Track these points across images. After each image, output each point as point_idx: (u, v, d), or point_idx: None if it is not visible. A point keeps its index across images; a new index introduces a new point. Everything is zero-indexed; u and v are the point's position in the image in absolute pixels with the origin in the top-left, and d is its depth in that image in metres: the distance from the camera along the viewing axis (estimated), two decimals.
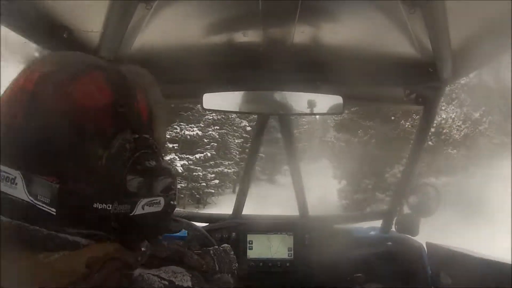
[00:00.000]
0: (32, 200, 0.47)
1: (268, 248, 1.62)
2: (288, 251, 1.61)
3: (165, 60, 1.33)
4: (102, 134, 0.49)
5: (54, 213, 0.47)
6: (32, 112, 0.48)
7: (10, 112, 0.49)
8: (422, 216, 1.61)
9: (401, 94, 1.49)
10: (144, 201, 0.52)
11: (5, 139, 0.48)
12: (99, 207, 0.48)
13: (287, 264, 1.60)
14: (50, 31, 1.00)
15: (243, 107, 1.54)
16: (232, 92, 1.44)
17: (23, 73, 0.52)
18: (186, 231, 1.27)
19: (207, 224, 1.65)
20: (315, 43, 1.26)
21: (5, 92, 0.52)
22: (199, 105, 1.44)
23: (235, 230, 1.61)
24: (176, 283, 0.49)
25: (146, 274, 0.48)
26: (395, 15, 1.04)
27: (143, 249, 0.54)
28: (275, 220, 1.74)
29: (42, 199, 0.47)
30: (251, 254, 1.61)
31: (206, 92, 1.40)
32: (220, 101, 1.43)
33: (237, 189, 2.46)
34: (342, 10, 1.08)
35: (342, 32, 1.20)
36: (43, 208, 0.47)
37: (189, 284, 0.50)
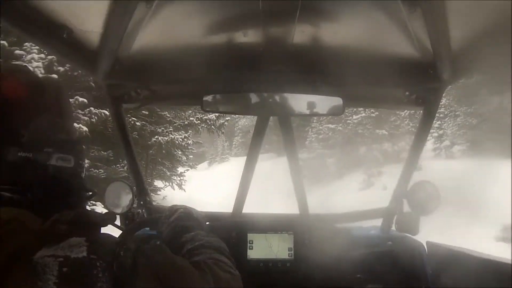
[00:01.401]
0: None
1: (268, 247, 1.61)
2: (289, 250, 1.61)
3: (165, 61, 1.33)
4: (23, 117, 0.69)
5: None
6: None
7: None
8: (422, 215, 1.61)
9: (401, 95, 1.49)
10: (57, 155, 0.71)
11: None
12: (22, 155, 0.66)
13: (288, 264, 1.60)
14: (50, 31, 1.00)
15: (243, 108, 1.54)
16: (232, 93, 1.44)
17: None
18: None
19: (207, 223, 1.64)
20: (315, 43, 1.26)
21: None
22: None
23: (235, 229, 1.61)
24: (72, 256, 0.53)
25: (42, 257, 0.52)
26: (395, 15, 1.05)
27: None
28: (275, 219, 1.74)
29: None
30: (252, 254, 1.60)
31: (206, 93, 1.40)
32: (220, 102, 1.43)
33: None
34: (342, 10, 1.08)
35: (342, 32, 1.20)
36: None
37: (84, 254, 0.53)
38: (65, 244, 0.54)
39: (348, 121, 17.13)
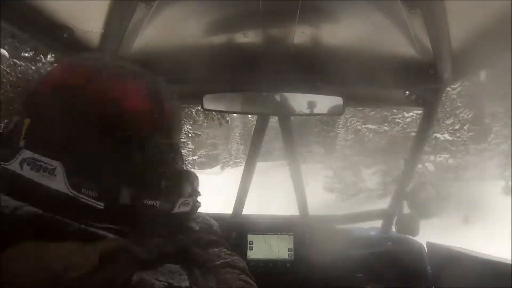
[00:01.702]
0: (74, 193, 0.47)
1: (268, 248, 1.61)
2: (289, 251, 1.61)
3: (165, 60, 1.33)
4: (137, 136, 0.52)
5: (102, 207, 0.48)
6: (75, 103, 0.49)
7: (52, 98, 0.50)
8: (423, 218, 1.61)
9: (401, 95, 1.49)
10: (181, 200, 0.56)
11: (45, 130, 0.49)
12: (148, 203, 0.51)
13: (288, 265, 1.60)
14: (50, 31, 1.00)
15: (243, 108, 1.54)
16: (233, 93, 1.43)
17: (57, 68, 0.54)
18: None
19: None
20: (315, 43, 1.26)
21: (35, 84, 0.53)
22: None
23: (235, 230, 1.61)
24: (174, 285, 0.48)
25: (146, 278, 0.47)
26: (395, 15, 1.05)
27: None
28: (275, 220, 1.74)
29: (86, 193, 0.48)
30: (252, 254, 1.60)
31: (206, 93, 1.40)
32: (220, 102, 1.43)
33: None
34: (342, 10, 1.08)
35: (342, 32, 1.20)
36: (88, 202, 0.48)
37: (187, 284, 0.49)
38: (164, 270, 0.49)
39: (397, 120, 13.22)
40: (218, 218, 1.74)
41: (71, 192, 0.47)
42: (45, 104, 0.50)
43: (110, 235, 0.49)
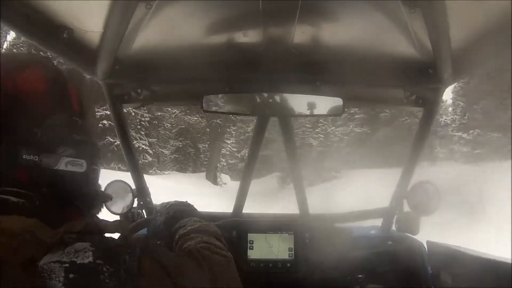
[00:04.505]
0: None
1: (268, 248, 1.61)
2: (289, 251, 1.61)
3: (165, 61, 1.33)
4: (37, 114, 0.63)
5: None
6: None
7: None
8: (423, 215, 1.61)
9: (401, 95, 1.49)
10: (66, 159, 0.64)
11: None
12: (28, 158, 0.60)
13: (288, 264, 1.60)
14: (50, 31, 1.00)
15: (243, 109, 1.54)
16: (232, 93, 1.43)
17: None
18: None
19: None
20: (315, 43, 1.26)
21: None
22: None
23: (235, 229, 1.61)
24: (78, 262, 0.52)
25: (48, 263, 0.51)
26: (395, 15, 1.05)
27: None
28: (276, 219, 1.74)
29: None
30: (252, 254, 1.60)
31: (206, 93, 1.40)
32: (219, 102, 1.43)
33: None
34: (342, 10, 1.08)
35: (342, 32, 1.20)
36: None
37: (90, 259, 0.52)
38: (70, 250, 0.53)
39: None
40: (219, 217, 1.74)
41: None
42: None
43: (13, 198, 0.58)
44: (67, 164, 0.64)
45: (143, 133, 17.11)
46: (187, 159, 21.44)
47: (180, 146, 20.97)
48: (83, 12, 1.01)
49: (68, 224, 0.57)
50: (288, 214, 1.89)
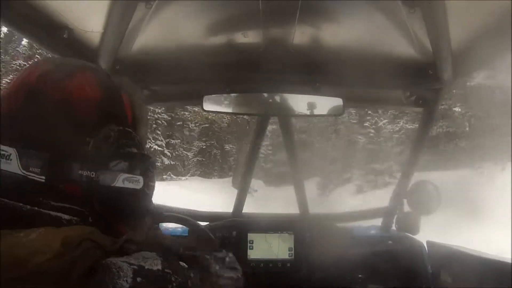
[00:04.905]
0: (24, 172, 0.53)
1: (268, 248, 1.62)
2: (289, 251, 1.61)
3: (165, 60, 1.33)
4: (89, 123, 0.59)
5: (43, 181, 0.54)
6: (32, 99, 0.57)
7: (14, 99, 0.58)
8: (423, 215, 1.61)
9: (401, 95, 1.49)
10: (124, 175, 0.59)
11: (6, 122, 0.56)
12: (84, 174, 0.56)
13: (288, 265, 1.60)
14: (50, 31, 1.00)
15: (243, 109, 1.54)
16: (233, 93, 1.44)
17: (27, 69, 0.62)
18: (187, 230, 1.27)
19: (207, 223, 1.65)
20: (315, 43, 1.26)
21: (10, 84, 0.61)
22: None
23: (235, 229, 1.61)
24: (146, 267, 0.50)
25: (116, 261, 0.49)
26: (395, 16, 1.05)
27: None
28: (276, 218, 1.74)
29: (32, 170, 0.54)
30: (252, 254, 1.60)
31: (206, 93, 1.40)
32: (220, 102, 1.43)
33: None
34: (342, 10, 1.08)
35: (342, 32, 1.20)
36: (33, 178, 0.53)
37: (159, 267, 0.50)
38: (137, 255, 0.51)
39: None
40: (218, 217, 1.75)
41: (21, 171, 0.53)
42: (12, 102, 0.58)
43: (65, 216, 0.54)
44: (124, 180, 0.60)
45: (159, 132, 15.46)
46: (211, 162, 18.76)
47: (204, 147, 18.43)
48: (84, 12, 1.01)
49: (131, 233, 0.55)
50: (288, 214, 1.89)
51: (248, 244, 1.61)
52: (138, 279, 0.48)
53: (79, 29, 1.06)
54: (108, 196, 0.58)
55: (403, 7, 0.98)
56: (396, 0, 0.97)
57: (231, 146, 19.32)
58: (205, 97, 1.39)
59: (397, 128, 14.67)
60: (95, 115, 0.60)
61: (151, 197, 0.69)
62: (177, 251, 0.61)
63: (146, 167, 0.64)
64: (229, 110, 1.49)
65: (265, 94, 1.44)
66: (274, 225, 1.64)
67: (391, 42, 1.23)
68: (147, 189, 0.65)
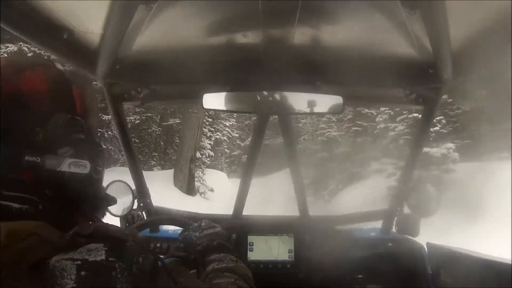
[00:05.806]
0: None
1: (268, 249, 1.61)
2: (289, 252, 1.61)
3: (165, 61, 1.33)
4: (39, 114, 0.63)
5: None
6: None
7: None
8: (423, 216, 1.61)
9: (401, 94, 1.49)
10: (70, 160, 0.63)
11: None
12: (29, 159, 0.60)
13: (288, 266, 1.60)
14: (50, 31, 1.00)
15: (243, 107, 1.54)
16: (232, 92, 1.43)
17: None
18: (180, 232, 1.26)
19: None
20: (315, 43, 1.26)
21: None
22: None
23: (235, 231, 1.61)
24: (90, 260, 0.51)
25: (60, 261, 0.50)
26: (395, 16, 1.04)
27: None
28: (276, 221, 1.74)
29: None
30: (252, 256, 1.60)
31: (206, 92, 1.40)
32: (220, 101, 1.43)
33: None
34: (342, 10, 1.08)
35: (342, 32, 1.20)
36: None
37: (103, 257, 0.51)
38: (82, 249, 0.52)
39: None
40: (219, 219, 1.75)
41: None
42: None
43: (15, 205, 0.56)
44: (70, 165, 0.63)
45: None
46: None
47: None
48: (84, 13, 1.01)
49: (78, 227, 0.56)
50: (288, 216, 1.89)
51: (248, 246, 1.61)
52: (83, 273, 0.49)
53: (79, 30, 1.06)
54: (55, 180, 0.62)
55: (403, 8, 0.98)
56: (396, 1, 0.97)
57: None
58: (205, 95, 1.39)
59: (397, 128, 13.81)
60: (44, 107, 0.64)
61: (101, 182, 0.74)
62: (125, 239, 0.62)
63: (94, 153, 0.68)
64: (229, 108, 1.49)
65: (265, 92, 1.43)
66: (274, 227, 1.64)
67: (391, 42, 1.22)
68: (95, 173, 0.69)
